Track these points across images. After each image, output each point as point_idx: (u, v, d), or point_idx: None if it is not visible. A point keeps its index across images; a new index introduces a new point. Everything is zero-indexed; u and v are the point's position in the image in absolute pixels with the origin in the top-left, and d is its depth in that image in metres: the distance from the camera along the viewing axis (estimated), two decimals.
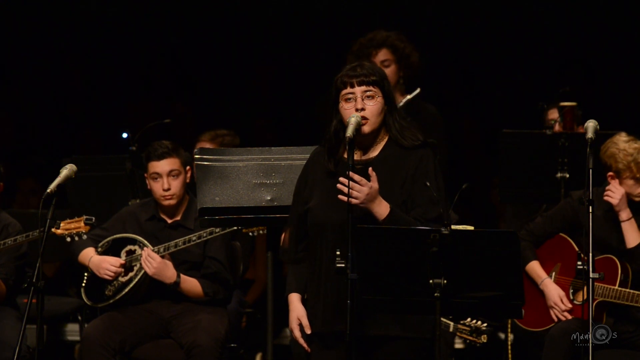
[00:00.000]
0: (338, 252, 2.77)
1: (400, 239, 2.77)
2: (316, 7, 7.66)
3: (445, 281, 2.64)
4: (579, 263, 2.84)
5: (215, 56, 7.92)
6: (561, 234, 4.30)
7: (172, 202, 4.51)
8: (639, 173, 4.05)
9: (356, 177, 2.80)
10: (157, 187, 4.47)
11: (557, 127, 4.92)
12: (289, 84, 7.92)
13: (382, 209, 2.86)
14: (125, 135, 5.10)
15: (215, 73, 7.92)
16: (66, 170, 3.77)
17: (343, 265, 2.72)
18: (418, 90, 4.82)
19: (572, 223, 4.24)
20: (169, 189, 4.45)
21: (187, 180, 4.56)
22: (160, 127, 5.62)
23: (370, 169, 2.85)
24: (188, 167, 4.58)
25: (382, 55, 4.81)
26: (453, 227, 2.77)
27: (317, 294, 2.97)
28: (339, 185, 2.82)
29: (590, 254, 2.81)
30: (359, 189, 2.80)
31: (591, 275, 2.81)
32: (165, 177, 4.44)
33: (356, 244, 2.73)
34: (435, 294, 2.65)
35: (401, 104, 4.50)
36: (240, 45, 7.84)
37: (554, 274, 4.31)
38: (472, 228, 2.91)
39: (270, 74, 7.92)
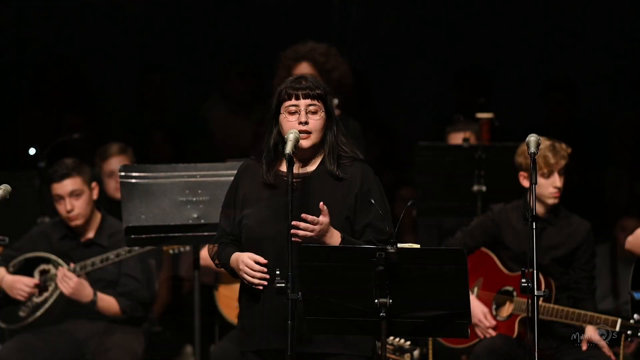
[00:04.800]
0: (278, 272, 2.73)
1: (346, 257, 2.74)
2: None
3: (390, 301, 2.61)
4: (523, 280, 2.85)
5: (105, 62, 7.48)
6: (482, 248, 4.33)
7: (78, 222, 4.45)
8: (546, 168, 4.11)
9: (309, 217, 2.77)
10: (61, 209, 4.43)
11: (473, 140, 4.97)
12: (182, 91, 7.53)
13: (334, 239, 2.84)
14: (32, 151, 4.94)
15: (107, 81, 7.52)
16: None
17: (283, 284, 2.67)
18: (336, 102, 4.73)
19: (492, 237, 4.28)
20: (72, 210, 4.38)
21: (95, 197, 4.47)
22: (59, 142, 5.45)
23: (321, 203, 2.81)
24: (94, 184, 4.50)
25: (302, 68, 4.64)
26: (399, 245, 2.74)
27: (254, 309, 2.91)
28: (294, 226, 2.76)
29: (535, 271, 2.82)
30: (312, 229, 2.78)
31: (536, 292, 2.83)
32: (67, 198, 4.38)
33: (299, 263, 2.69)
34: (381, 314, 2.62)
35: None
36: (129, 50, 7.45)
37: (476, 289, 4.33)
38: (418, 246, 2.90)
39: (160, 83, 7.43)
